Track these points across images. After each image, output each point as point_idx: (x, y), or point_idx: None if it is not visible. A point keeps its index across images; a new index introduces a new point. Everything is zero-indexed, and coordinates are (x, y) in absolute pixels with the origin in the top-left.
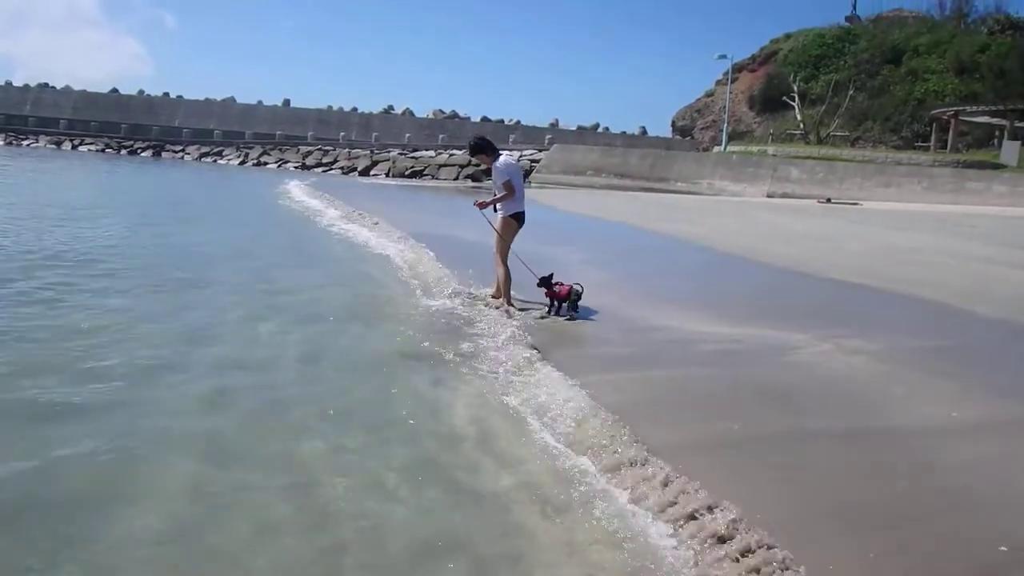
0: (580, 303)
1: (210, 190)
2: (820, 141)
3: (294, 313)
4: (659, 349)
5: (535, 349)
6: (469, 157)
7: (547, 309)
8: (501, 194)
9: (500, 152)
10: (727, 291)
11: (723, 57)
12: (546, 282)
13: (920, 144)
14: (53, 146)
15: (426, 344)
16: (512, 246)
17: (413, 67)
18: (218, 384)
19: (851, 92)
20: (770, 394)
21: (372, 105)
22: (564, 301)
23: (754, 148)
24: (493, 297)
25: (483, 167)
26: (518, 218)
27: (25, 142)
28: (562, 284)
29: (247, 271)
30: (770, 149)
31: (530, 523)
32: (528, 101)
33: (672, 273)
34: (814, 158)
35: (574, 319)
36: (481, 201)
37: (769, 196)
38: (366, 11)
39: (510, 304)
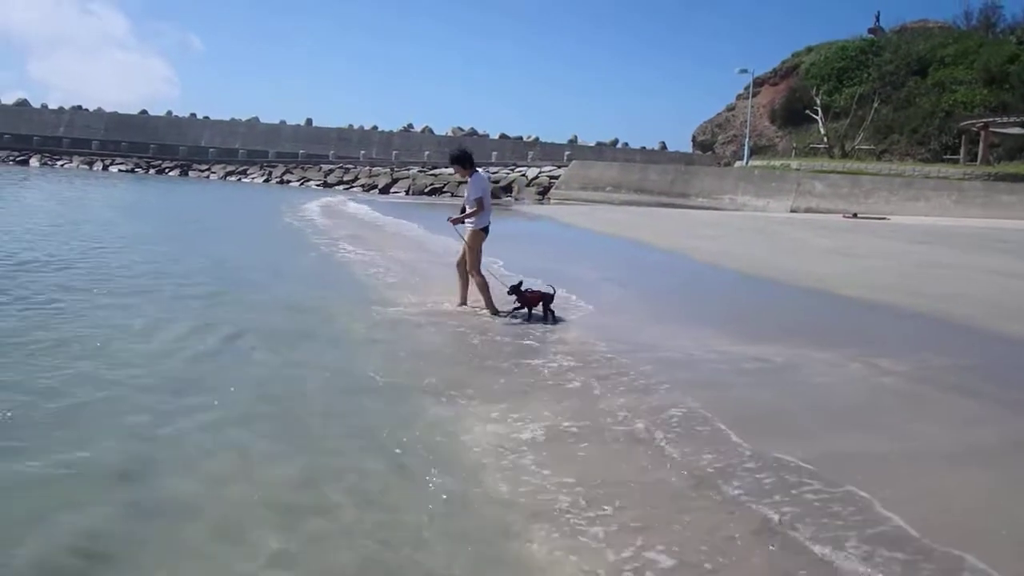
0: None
1: (232, 210)
2: (845, 155)
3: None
4: (682, 370)
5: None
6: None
7: (526, 315)
8: (472, 208)
9: (477, 168)
10: (748, 309)
11: (744, 71)
12: (516, 289)
13: (949, 156)
14: (86, 166)
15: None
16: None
17: (432, 85)
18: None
19: (876, 105)
20: (800, 416)
21: (392, 123)
22: (534, 305)
23: (777, 162)
24: (460, 306)
25: (461, 177)
26: (486, 230)
27: (59, 163)
28: (531, 290)
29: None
30: (793, 163)
31: None
32: (546, 118)
33: (691, 292)
34: (839, 172)
35: (557, 322)
36: (455, 217)
37: (793, 211)
38: (385, 31)
39: (495, 312)
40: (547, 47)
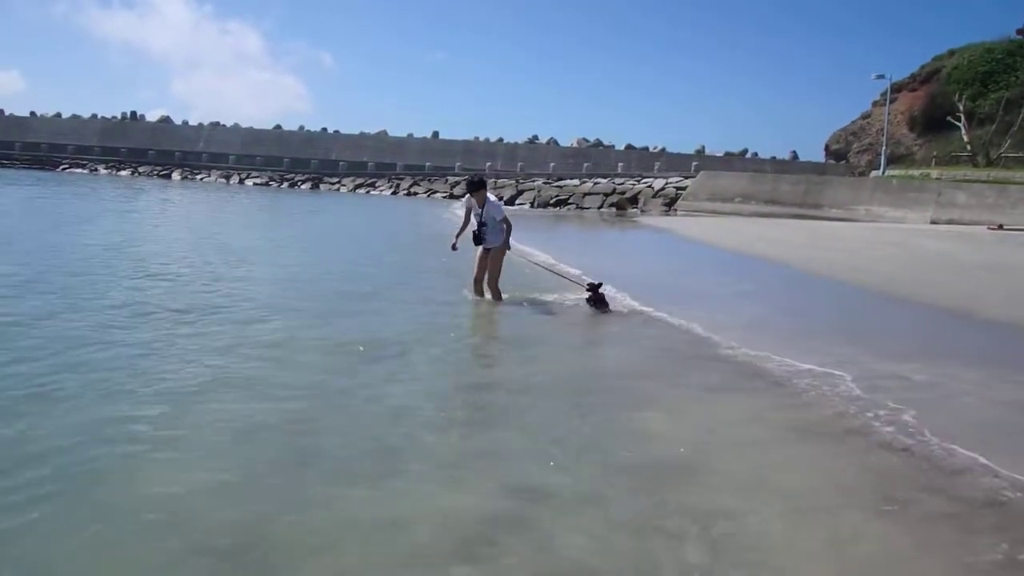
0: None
1: (377, 221)
2: (990, 163)
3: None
4: (831, 385)
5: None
6: (468, 192)
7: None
8: (505, 226)
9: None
10: (886, 327)
11: (881, 77)
12: (594, 287)
13: None
14: (223, 180)
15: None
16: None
17: (557, 96)
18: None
19: None
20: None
21: (517, 135)
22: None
23: (915, 172)
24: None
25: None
26: (508, 246)
27: (199, 176)
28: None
29: None
30: (933, 172)
31: None
32: (673, 127)
33: (822, 308)
34: (983, 181)
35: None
36: (502, 247)
37: (933, 223)
38: (509, 44)
39: (478, 294)
40: (673, 56)
